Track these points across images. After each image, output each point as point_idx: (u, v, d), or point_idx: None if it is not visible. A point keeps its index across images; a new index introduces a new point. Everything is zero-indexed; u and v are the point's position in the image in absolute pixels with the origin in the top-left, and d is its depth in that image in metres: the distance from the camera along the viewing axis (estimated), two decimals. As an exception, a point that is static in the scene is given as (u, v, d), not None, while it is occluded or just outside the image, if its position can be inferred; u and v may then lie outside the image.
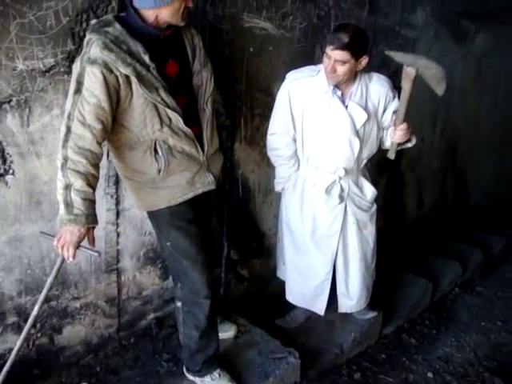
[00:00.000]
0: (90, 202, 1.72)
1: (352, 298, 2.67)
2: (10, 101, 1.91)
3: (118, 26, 1.72)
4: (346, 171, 2.46)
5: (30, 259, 2.12)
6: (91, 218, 1.73)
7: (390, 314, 3.21)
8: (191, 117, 1.95)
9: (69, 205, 1.67)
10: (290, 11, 2.93)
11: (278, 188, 2.69)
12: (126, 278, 2.55)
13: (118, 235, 2.44)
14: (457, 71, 5.26)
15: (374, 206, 2.62)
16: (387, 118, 2.43)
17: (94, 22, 1.80)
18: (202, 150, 2.00)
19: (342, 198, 2.48)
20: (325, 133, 2.38)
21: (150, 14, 1.77)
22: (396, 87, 4.22)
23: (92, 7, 2.06)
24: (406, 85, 2.18)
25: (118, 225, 2.41)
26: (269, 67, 2.92)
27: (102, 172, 2.10)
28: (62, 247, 1.70)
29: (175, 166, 1.93)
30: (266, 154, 2.74)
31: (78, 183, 1.67)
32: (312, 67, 2.42)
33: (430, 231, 5.04)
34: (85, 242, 1.77)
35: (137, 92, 1.72)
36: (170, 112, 1.80)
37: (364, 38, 2.19)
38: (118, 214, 2.39)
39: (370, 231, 2.62)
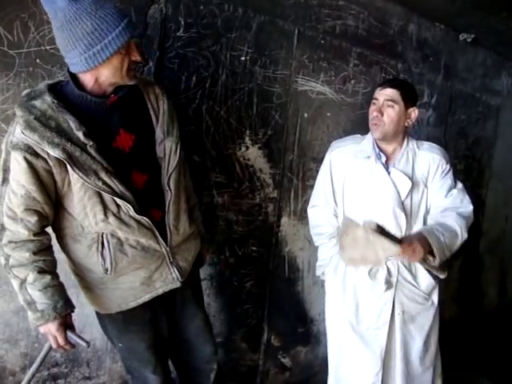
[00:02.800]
0: (54, 288, 1.49)
1: None
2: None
3: (48, 97, 1.42)
4: None
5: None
6: (61, 306, 1.49)
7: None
8: (153, 198, 1.62)
9: (30, 303, 1.47)
10: (351, 75, 2.71)
11: (318, 272, 2.37)
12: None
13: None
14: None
15: (433, 299, 2.19)
16: (439, 196, 2.08)
17: (25, 92, 1.50)
18: (165, 239, 1.65)
19: (389, 284, 2.09)
20: (367, 205, 2.08)
21: (88, 78, 1.46)
22: (477, 159, 3.94)
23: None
24: None
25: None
26: (326, 135, 2.67)
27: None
28: (55, 345, 1.54)
29: (126, 265, 1.59)
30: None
31: (30, 276, 1.46)
32: (358, 135, 2.21)
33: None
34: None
35: (73, 175, 1.43)
36: (117, 199, 1.48)
37: (413, 88, 2.12)
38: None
39: (420, 326, 2.17)
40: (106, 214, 1.49)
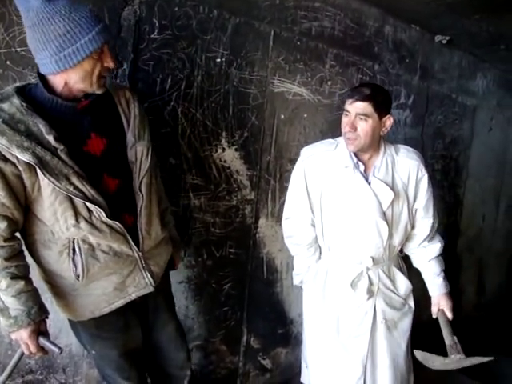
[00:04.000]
0: (27, 294, 1.47)
1: None
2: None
3: (16, 100, 1.39)
4: (375, 261, 2.08)
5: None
6: (35, 312, 1.47)
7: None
8: (125, 203, 1.60)
9: (3, 309, 1.44)
10: (328, 76, 2.72)
11: (295, 281, 2.35)
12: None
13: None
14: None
15: (409, 304, 2.21)
16: (420, 205, 2.09)
17: None
18: (138, 244, 1.63)
19: (370, 293, 2.09)
20: (347, 216, 2.04)
21: (58, 81, 1.44)
22: (454, 159, 3.99)
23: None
24: None
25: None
26: (303, 136, 2.68)
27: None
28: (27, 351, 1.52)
29: (98, 271, 1.56)
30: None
31: (2, 283, 1.43)
32: (330, 140, 2.13)
33: (493, 322, 4.42)
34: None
35: (43, 180, 1.40)
36: (88, 204, 1.46)
37: (386, 94, 1.98)
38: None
39: (402, 332, 2.19)
40: (77, 219, 1.46)
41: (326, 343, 2.18)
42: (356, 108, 1.89)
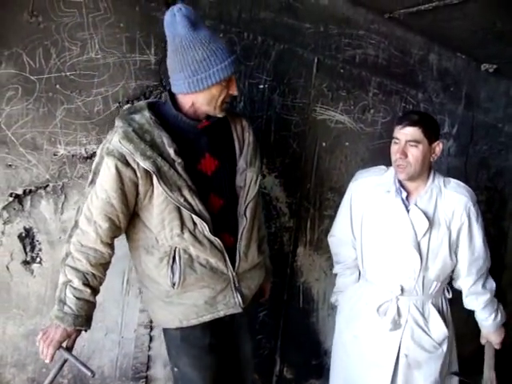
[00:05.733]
0: (85, 303, 1.55)
1: None
2: (47, 186, 1.85)
3: (147, 113, 1.55)
4: (405, 291, 2.01)
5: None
6: (80, 320, 1.54)
7: None
8: (226, 223, 1.67)
9: (61, 301, 1.53)
10: (371, 104, 2.69)
11: (332, 299, 2.35)
12: (156, 388, 2.27)
13: (151, 339, 2.20)
14: None
15: (443, 350, 2.05)
16: (464, 244, 1.98)
17: (126, 107, 1.67)
18: (233, 264, 1.68)
19: (395, 325, 2.00)
20: (383, 241, 2.02)
21: (186, 101, 1.57)
22: (499, 190, 3.85)
23: (145, 93, 1.99)
24: None
25: (151, 328, 2.18)
26: (344, 164, 2.65)
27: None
28: (43, 343, 1.53)
29: (193, 281, 1.64)
30: (334, 262, 2.43)
31: (76, 281, 1.53)
32: (381, 167, 2.13)
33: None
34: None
35: (157, 189, 1.51)
36: (195, 217, 1.55)
37: (434, 120, 2.01)
38: (152, 316, 2.16)
39: (425, 375, 2.03)
40: (182, 230, 1.55)
41: (351, 369, 2.14)
42: (406, 134, 1.89)
